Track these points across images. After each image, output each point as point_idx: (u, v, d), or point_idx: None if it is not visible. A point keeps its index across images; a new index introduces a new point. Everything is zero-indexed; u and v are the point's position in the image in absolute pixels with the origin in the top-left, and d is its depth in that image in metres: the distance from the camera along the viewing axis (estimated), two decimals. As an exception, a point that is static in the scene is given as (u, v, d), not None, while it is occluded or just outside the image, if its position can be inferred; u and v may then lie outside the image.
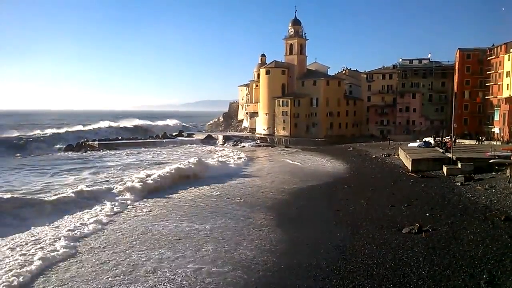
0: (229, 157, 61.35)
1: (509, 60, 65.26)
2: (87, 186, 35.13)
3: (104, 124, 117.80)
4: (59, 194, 31.70)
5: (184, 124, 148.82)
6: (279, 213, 28.91)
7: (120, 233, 24.05)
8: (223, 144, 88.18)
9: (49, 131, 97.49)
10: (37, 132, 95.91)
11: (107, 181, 40.58)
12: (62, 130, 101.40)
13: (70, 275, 18.02)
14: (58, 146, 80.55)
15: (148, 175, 40.14)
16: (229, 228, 25.04)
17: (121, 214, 28.71)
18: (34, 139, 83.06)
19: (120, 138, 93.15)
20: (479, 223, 23.95)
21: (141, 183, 36.88)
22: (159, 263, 19.23)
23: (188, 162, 47.50)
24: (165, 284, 17.07)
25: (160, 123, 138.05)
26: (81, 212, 28.24)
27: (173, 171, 42.46)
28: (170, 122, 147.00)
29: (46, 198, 30.48)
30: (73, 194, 31.50)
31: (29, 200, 28.79)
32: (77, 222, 25.87)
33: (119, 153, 69.63)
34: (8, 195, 28.76)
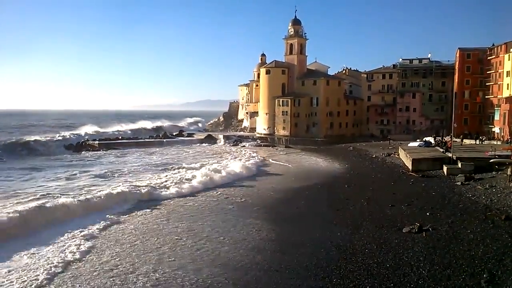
0: (241, 159, 58.31)
1: (509, 59, 65.21)
2: (94, 192, 33.67)
3: (127, 126, 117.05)
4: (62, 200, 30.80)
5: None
6: (279, 213, 28.92)
7: (122, 234, 24.07)
8: (223, 144, 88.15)
9: (68, 133, 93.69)
10: (61, 133, 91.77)
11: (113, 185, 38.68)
12: (85, 131, 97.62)
13: (70, 274, 18.04)
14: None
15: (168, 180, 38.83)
16: (229, 228, 25.03)
17: (123, 216, 28.67)
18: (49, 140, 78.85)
19: (120, 138, 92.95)
20: (480, 223, 23.97)
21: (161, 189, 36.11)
22: (159, 263, 19.24)
23: (209, 169, 45.19)
24: (166, 284, 17.07)
25: (181, 123, 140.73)
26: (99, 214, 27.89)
27: (204, 179, 40.54)
28: (189, 120, 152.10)
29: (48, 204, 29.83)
30: (82, 199, 30.66)
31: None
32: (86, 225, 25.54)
33: (121, 154, 67.81)
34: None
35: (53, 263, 19.15)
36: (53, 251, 20.73)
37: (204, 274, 17.89)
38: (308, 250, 20.75)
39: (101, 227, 25.22)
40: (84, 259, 19.86)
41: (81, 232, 23.91)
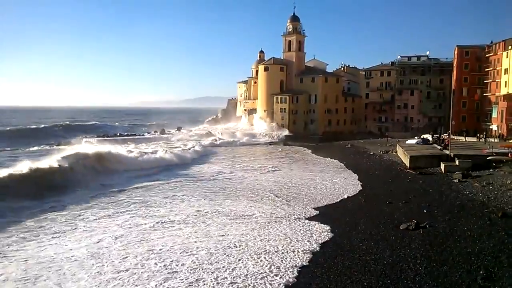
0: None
1: (507, 57, 65.32)
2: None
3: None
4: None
5: None
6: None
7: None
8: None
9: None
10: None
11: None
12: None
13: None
14: None
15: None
16: (225, 225, 25.02)
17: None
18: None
19: (118, 134, 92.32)
20: (476, 220, 24.08)
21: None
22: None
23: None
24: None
25: None
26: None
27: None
28: None
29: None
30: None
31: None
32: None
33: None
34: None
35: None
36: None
37: (190, 262, 17.90)
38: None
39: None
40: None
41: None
